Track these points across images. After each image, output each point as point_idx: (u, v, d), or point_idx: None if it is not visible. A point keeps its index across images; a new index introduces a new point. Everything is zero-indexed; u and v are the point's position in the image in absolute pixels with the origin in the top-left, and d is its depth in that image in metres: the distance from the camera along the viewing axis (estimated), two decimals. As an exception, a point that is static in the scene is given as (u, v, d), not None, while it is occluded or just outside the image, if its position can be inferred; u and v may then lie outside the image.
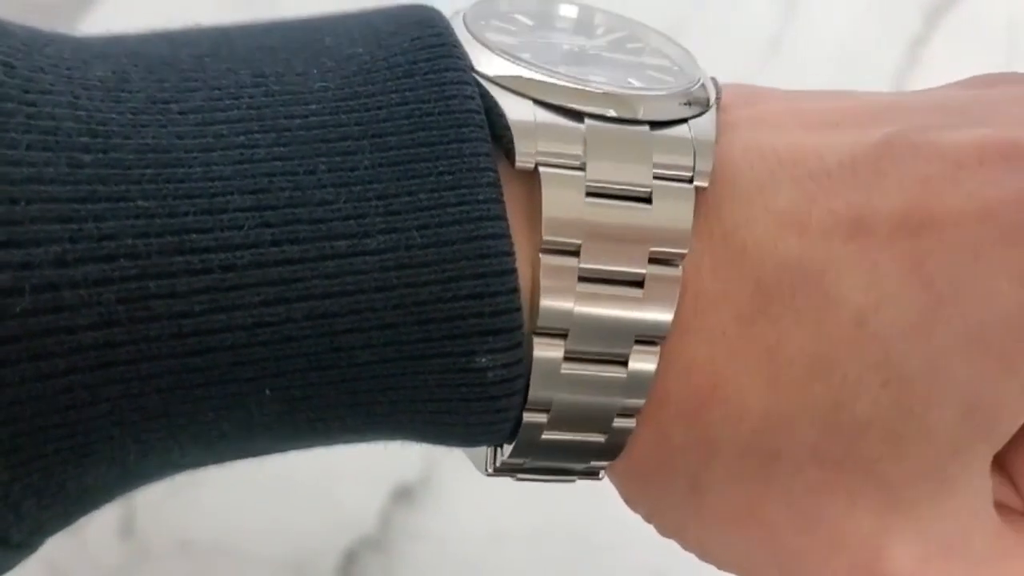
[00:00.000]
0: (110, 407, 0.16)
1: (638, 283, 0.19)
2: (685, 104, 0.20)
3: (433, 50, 0.18)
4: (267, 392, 0.17)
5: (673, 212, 0.19)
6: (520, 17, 0.21)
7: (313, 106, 0.17)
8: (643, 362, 0.19)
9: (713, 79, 0.21)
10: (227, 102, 0.17)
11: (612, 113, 0.19)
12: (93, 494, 0.17)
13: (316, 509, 0.32)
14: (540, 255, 0.18)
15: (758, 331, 0.19)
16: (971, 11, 0.47)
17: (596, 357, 0.19)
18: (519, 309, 0.18)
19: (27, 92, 0.16)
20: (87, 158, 0.16)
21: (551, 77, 0.19)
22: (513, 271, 0.17)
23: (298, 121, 0.17)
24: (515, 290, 0.18)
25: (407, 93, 0.18)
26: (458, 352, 0.18)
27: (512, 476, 0.21)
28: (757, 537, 0.20)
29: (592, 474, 0.21)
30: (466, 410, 0.18)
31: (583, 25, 0.22)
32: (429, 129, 0.18)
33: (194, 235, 0.16)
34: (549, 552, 0.34)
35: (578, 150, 0.18)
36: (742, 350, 0.19)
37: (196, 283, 0.16)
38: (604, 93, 0.19)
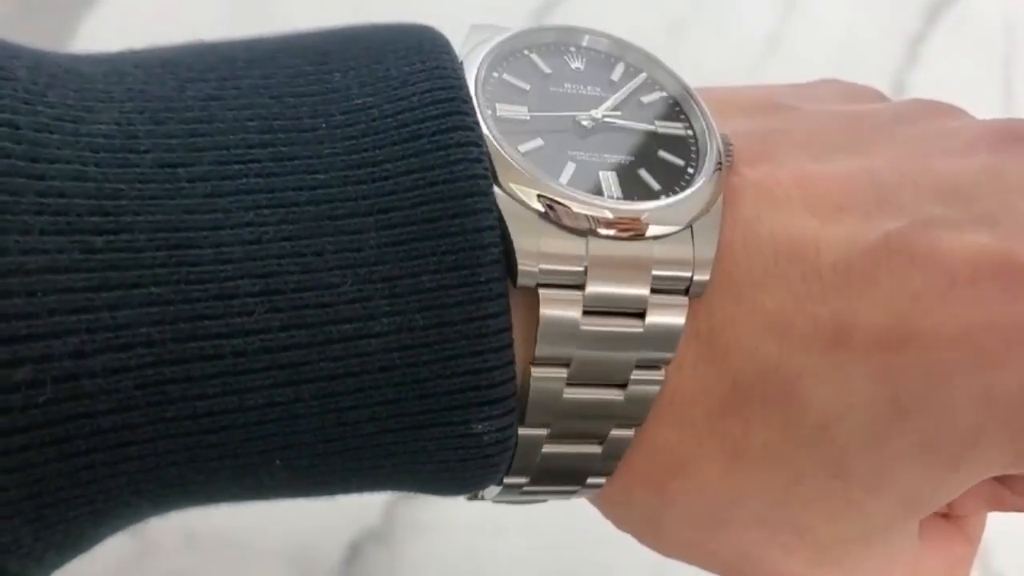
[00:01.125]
0: (128, 479, 0.17)
1: (622, 385, 0.20)
2: (707, 180, 0.20)
3: (441, 106, 0.18)
4: (277, 462, 0.18)
5: (665, 326, 0.19)
6: (536, 60, 0.21)
7: (321, 175, 0.17)
8: (619, 438, 0.20)
9: (724, 138, 0.21)
10: (236, 167, 0.17)
11: (616, 228, 0.19)
12: (107, 536, 0.18)
13: (320, 502, 0.33)
14: (530, 366, 0.19)
15: (727, 425, 0.20)
16: (969, 9, 0.47)
17: (576, 439, 0.20)
18: (514, 378, 0.18)
19: (35, 161, 0.16)
20: (99, 241, 0.16)
21: (556, 185, 0.19)
22: (510, 345, 0.18)
23: (306, 195, 0.17)
24: (511, 362, 0.18)
25: (412, 160, 0.18)
26: (456, 421, 0.18)
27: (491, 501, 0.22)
28: (706, 562, 0.22)
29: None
30: (463, 468, 0.19)
31: (601, 66, 0.21)
32: (432, 203, 0.17)
33: (206, 321, 0.16)
34: (550, 544, 0.34)
35: (579, 269, 0.18)
36: (709, 439, 0.20)
37: (209, 368, 0.16)
38: (611, 208, 0.19)
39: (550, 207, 0.18)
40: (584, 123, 0.20)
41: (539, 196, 0.18)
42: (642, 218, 0.19)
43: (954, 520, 0.24)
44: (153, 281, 0.16)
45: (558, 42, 0.21)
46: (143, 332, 0.16)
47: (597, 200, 0.19)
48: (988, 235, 0.19)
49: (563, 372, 0.19)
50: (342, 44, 0.19)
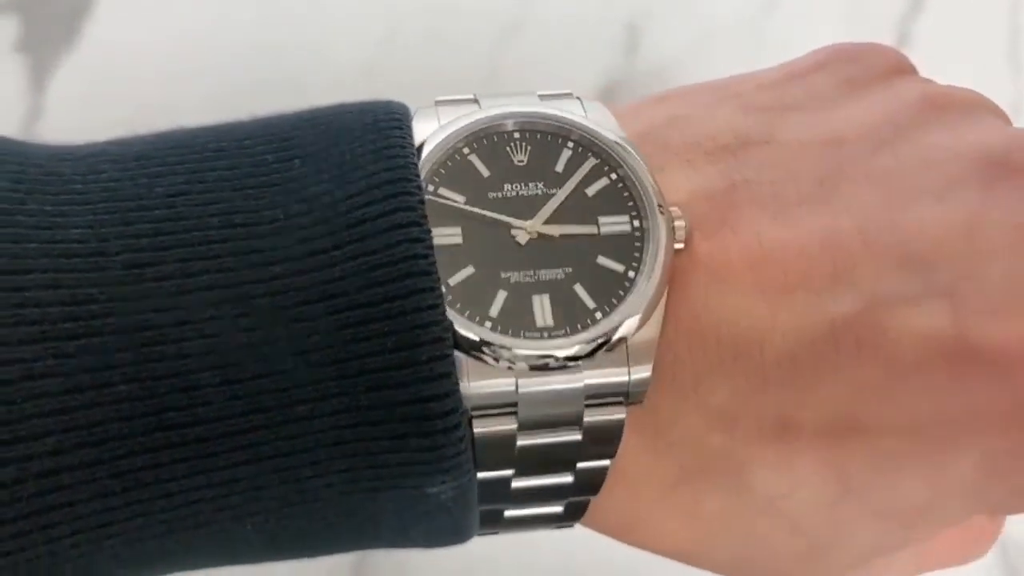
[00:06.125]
0: (111, 552, 0.18)
1: (569, 469, 0.20)
2: (646, 287, 0.19)
3: (386, 188, 0.19)
4: (248, 527, 0.19)
5: (604, 431, 0.20)
6: (475, 162, 0.20)
7: (276, 268, 0.18)
8: (577, 503, 0.21)
9: (678, 227, 0.20)
10: (199, 264, 0.18)
11: (550, 363, 0.19)
12: None
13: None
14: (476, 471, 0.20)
15: (679, 494, 0.21)
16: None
17: (534, 504, 0.21)
18: (467, 450, 0.19)
19: (13, 273, 0.18)
20: (72, 346, 0.17)
21: (483, 329, 0.19)
22: (459, 425, 0.18)
23: (262, 288, 0.18)
24: (462, 438, 0.19)
25: (358, 244, 0.18)
26: (410, 486, 0.19)
27: None
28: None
29: None
30: (428, 521, 0.20)
31: (547, 154, 0.21)
32: (375, 286, 0.18)
33: (171, 413, 0.18)
34: (551, 534, 0.34)
35: (511, 400, 0.19)
36: (663, 504, 0.21)
37: (176, 454, 0.18)
38: (536, 351, 0.19)
39: (478, 349, 0.19)
40: (519, 240, 0.20)
41: (466, 339, 0.19)
42: (571, 353, 0.19)
43: None
44: (122, 379, 0.18)
45: (500, 130, 0.21)
46: (115, 427, 0.17)
47: (523, 345, 0.19)
48: (943, 315, 0.19)
49: (509, 472, 0.20)
50: (305, 129, 0.20)
